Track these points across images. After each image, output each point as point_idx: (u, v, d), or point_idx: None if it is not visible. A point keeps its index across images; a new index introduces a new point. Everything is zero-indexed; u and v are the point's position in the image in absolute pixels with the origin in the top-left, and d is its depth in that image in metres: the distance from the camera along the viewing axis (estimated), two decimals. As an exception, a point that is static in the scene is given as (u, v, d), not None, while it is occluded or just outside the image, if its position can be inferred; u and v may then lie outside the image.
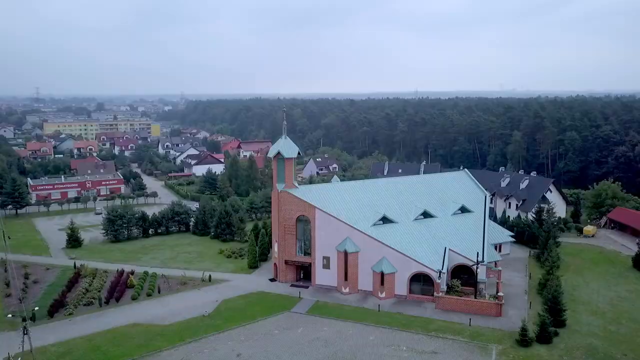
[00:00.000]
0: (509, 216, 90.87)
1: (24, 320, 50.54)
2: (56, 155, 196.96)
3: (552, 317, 50.25)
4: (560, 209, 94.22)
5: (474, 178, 77.32)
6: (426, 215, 65.87)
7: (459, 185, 74.41)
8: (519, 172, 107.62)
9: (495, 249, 68.72)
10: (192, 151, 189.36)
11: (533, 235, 78.74)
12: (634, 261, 71.60)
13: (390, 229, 62.42)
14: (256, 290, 62.36)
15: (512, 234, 77.11)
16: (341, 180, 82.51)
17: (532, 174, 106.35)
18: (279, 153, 63.88)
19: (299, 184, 67.63)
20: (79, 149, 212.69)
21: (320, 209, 61.90)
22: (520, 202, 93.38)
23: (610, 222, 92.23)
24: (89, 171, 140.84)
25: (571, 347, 46.73)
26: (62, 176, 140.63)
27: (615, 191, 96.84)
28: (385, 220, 63.27)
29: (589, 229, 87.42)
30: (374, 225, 62.29)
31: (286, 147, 64.12)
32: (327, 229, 61.75)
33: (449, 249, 61.12)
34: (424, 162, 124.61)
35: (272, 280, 66.16)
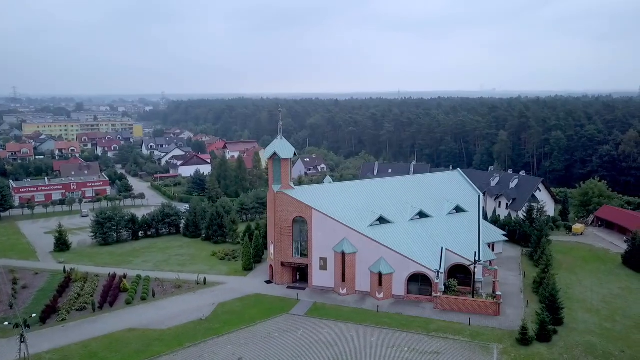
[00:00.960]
0: (499, 215, 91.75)
1: (16, 327, 48.91)
2: (37, 157, 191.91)
3: (551, 315, 50.49)
4: (549, 207, 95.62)
5: (467, 178, 77.89)
6: (422, 215, 65.92)
7: (453, 185, 74.73)
8: (509, 171, 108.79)
9: (488, 247, 69.25)
10: (178, 152, 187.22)
11: (525, 234, 79.69)
12: (623, 259, 72.61)
13: (387, 230, 62.29)
14: (253, 292, 61.61)
15: (504, 233, 77.76)
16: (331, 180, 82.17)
17: (521, 173, 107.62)
18: (275, 154, 63.29)
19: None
20: (60, 150, 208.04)
21: (317, 210, 61.38)
22: (510, 201, 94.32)
23: (598, 220, 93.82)
24: (73, 173, 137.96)
25: (570, 345, 47.19)
26: (46, 178, 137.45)
27: (601, 189, 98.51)
28: (382, 220, 63.07)
29: (577, 227, 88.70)
30: (371, 225, 62.05)
31: (282, 147, 63.44)
32: (324, 229, 61.33)
33: (446, 249, 61.16)
34: (413, 162, 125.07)
35: (268, 282, 65.41)
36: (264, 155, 68.48)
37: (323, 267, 62.80)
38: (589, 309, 56.72)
